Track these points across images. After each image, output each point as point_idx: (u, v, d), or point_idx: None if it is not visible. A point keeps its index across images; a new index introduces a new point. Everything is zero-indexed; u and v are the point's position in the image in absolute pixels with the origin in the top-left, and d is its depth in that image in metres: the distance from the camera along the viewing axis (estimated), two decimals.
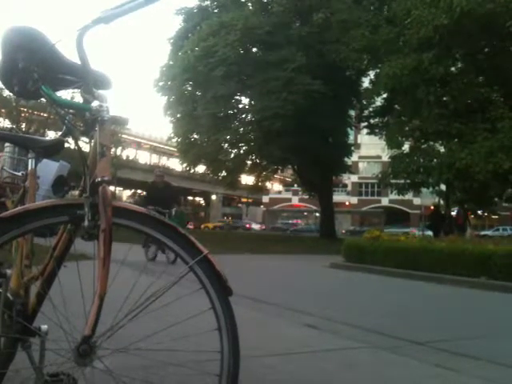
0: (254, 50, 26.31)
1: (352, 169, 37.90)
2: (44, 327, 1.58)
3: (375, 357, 3.17)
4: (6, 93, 21.63)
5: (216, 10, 28.51)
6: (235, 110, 27.20)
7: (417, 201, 55.16)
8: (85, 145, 1.54)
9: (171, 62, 27.61)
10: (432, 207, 23.00)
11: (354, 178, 61.67)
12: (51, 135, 23.79)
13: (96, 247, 1.31)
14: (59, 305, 1.55)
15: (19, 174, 2.04)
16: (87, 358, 1.29)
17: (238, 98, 26.83)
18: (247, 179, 41.30)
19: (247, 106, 27.29)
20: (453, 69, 19.80)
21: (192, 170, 31.10)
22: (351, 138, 38.21)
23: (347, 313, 4.91)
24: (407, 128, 20.85)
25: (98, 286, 1.28)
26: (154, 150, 75.14)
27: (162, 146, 71.17)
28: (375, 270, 9.56)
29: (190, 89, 27.22)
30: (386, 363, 3.02)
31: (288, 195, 70.09)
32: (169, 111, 28.35)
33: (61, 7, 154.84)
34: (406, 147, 21.96)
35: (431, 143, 20.80)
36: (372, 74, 25.23)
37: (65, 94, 1.61)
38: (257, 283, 7.28)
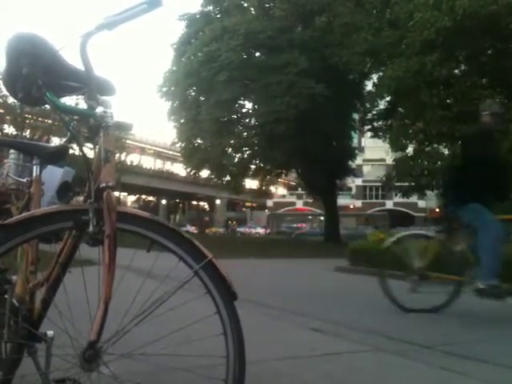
0: (257, 54, 26.37)
1: (356, 172, 37.89)
2: (50, 333, 1.59)
3: (381, 360, 3.16)
4: (11, 100, 21.71)
5: (218, 16, 28.62)
6: (238, 115, 27.25)
7: (421, 203, 55.07)
8: (89, 151, 1.54)
9: (174, 68, 27.72)
10: (437, 209, 22.86)
11: (359, 181, 61.59)
12: (56, 142, 23.88)
13: (101, 252, 1.32)
14: (65, 310, 1.55)
15: (24, 180, 2.04)
16: (93, 363, 1.30)
17: (241, 102, 26.89)
18: (251, 183, 41.33)
19: (250, 111, 27.34)
20: (456, 71, 19.78)
21: (196, 175, 31.19)
22: (355, 141, 38.21)
23: (352, 316, 4.89)
24: (411, 131, 20.83)
25: (103, 292, 1.28)
26: (159, 155, 75.33)
27: (166, 151, 71.35)
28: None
29: (193, 94, 27.29)
30: (391, 367, 3.01)
31: (292, 199, 70.05)
32: (172, 116, 28.44)
33: (62, 10, 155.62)
34: (409, 150, 21.95)
35: (435, 146, 20.77)
36: (375, 77, 25.23)
37: (69, 101, 1.62)
38: (261, 287, 7.27)
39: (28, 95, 1.48)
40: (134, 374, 2.16)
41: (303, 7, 24.87)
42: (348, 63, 21.85)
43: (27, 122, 27.42)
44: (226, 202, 74.75)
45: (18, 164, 2.10)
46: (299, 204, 67.94)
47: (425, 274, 5.06)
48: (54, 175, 2.10)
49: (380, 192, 60.50)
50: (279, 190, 74.15)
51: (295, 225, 63.37)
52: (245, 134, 27.53)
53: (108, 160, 1.38)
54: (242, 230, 65.17)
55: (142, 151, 69.76)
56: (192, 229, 57.41)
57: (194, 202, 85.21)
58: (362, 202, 65.46)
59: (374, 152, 58.15)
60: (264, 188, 34.84)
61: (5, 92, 17.97)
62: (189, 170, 30.48)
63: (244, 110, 27.60)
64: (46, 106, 1.55)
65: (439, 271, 5.09)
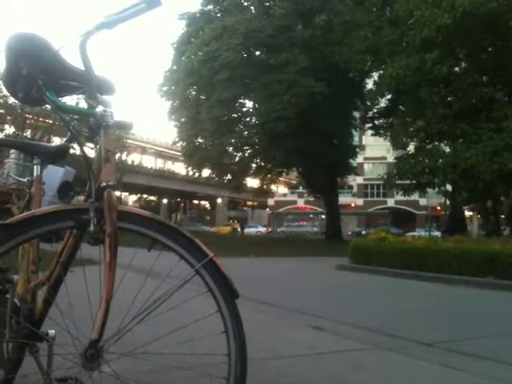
0: (257, 53, 26.37)
1: (357, 170, 37.88)
2: (51, 332, 1.59)
3: (382, 358, 3.16)
4: (11, 100, 21.74)
5: (218, 15, 28.62)
6: (239, 114, 27.25)
7: (423, 201, 55.03)
8: (90, 150, 1.54)
9: (175, 67, 27.72)
10: (438, 207, 22.88)
11: (360, 180, 61.55)
12: (56, 141, 23.88)
13: (102, 252, 1.32)
14: (66, 310, 1.55)
15: (25, 180, 2.05)
16: (94, 362, 1.29)
17: (241, 101, 26.91)
18: (252, 182, 41.35)
19: (251, 110, 27.34)
20: (456, 69, 19.79)
21: (197, 174, 31.21)
22: (356, 139, 38.20)
23: (353, 314, 4.90)
24: (412, 129, 20.85)
25: (105, 291, 1.28)
26: (159, 154, 75.28)
27: (166, 151, 71.29)
28: (382, 271, 9.53)
29: (193, 93, 27.30)
30: (393, 364, 3.01)
31: (293, 197, 69.99)
32: (173, 116, 28.45)
33: (63, 9, 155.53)
34: (410, 148, 21.95)
35: (436, 143, 20.78)
36: (375, 75, 25.25)
37: (69, 100, 1.62)
38: (262, 285, 7.28)
39: (28, 95, 1.48)
40: (135, 372, 2.16)
41: (303, 5, 24.89)
42: (348, 61, 21.86)
43: (28, 122, 27.45)
44: (227, 200, 74.76)
45: (18, 164, 2.10)
46: (300, 202, 67.86)
47: None
48: (54, 175, 2.09)
49: (381, 190, 60.37)
50: (280, 189, 74.08)
51: (296, 223, 63.28)
52: (245, 132, 27.54)
53: (108, 159, 1.38)
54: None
55: (143, 151, 69.62)
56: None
57: (196, 201, 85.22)
58: (364, 201, 65.42)
59: (374, 150, 58.10)
60: (265, 187, 34.86)
61: (5, 92, 18.00)
62: (190, 169, 30.52)
63: (244, 109, 27.61)
64: (47, 105, 1.55)
65: None
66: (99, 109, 1.39)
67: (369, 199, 65.33)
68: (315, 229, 55.98)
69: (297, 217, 64.94)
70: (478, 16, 16.30)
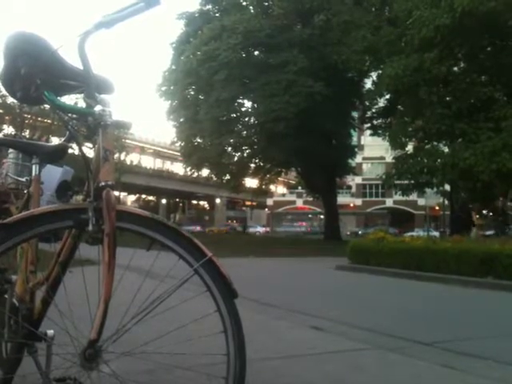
0: (256, 53, 26.38)
1: (356, 170, 37.90)
2: (50, 332, 1.59)
3: (381, 358, 3.15)
4: (10, 100, 21.73)
5: (217, 14, 28.61)
6: (238, 114, 27.26)
7: (421, 201, 55.13)
8: (88, 150, 1.54)
9: (173, 67, 27.73)
10: (437, 207, 22.97)
11: (358, 180, 61.57)
12: (55, 141, 23.78)
13: (100, 251, 1.31)
14: (65, 310, 1.55)
15: (23, 179, 2.04)
16: (93, 362, 1.29)
17: (240, 101, 26.91)
18: (251, 182, 41.36)
19: (250, 109, 27.34)
20: (455, 68, 19.79)
21: (196, 174, 31.21)
22: (354, 139, 38.24)
23: (353, 314, 4.90)
24: (410, 128, 20.85)
25: (103, 291, 1.28)
26: (158, 154, 75.30)
27: (165, 151, 71.34)
28: (380, 271, 9.53)
29: (192, 93, 27.31)
30: (392, 364, 3.01)
31: (292, 198, 70.03)
32: (172, 116, 28.45)
33: (63, 9, 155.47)
34: (409, 148, 21.96)
35: (435, 143, 20.79)
36: (374, 75, 25.25)
37: (68, 100, 1.62)
38: (261, 286, 7.28)
39: (27, 94, 1.48)
40: (134, 372, 2.16)
41: (302, 5, 24.87)
42: (347, 61, 21.86)
43: (26, 121, 27.42)
44: (226, 200, 74.77)
45: (17, 163, 2.09)
46: (299, 202, 67.90)
47: None
48: (53, 174, 2.09)
49: (380, 190, 60.41)
50: (279, 189, 74.10)
51: (295, 223, 63.37)
52: (244, 132, 27.55)
53: (107, 159, 1.37)
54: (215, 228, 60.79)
55: (142, 150, 69.63)
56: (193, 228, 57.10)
57: (194, 201, 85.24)
58: (362, 201, 65.46)
59: (373, 150, 58.14)
60: (264, 187, 34.87)
61: (4, 92, 18.00)
62: (188, 169, 30.53)
63: (243, 109, 27.62)
64: (45, 105, 1.54)
65: None
66: (98, 108, 1.39)
67: (367, 199, 65.38)
68: (309, 229, 56.62)
69: (296, 217, 65.00)
70: (476, 16, 16.30)
